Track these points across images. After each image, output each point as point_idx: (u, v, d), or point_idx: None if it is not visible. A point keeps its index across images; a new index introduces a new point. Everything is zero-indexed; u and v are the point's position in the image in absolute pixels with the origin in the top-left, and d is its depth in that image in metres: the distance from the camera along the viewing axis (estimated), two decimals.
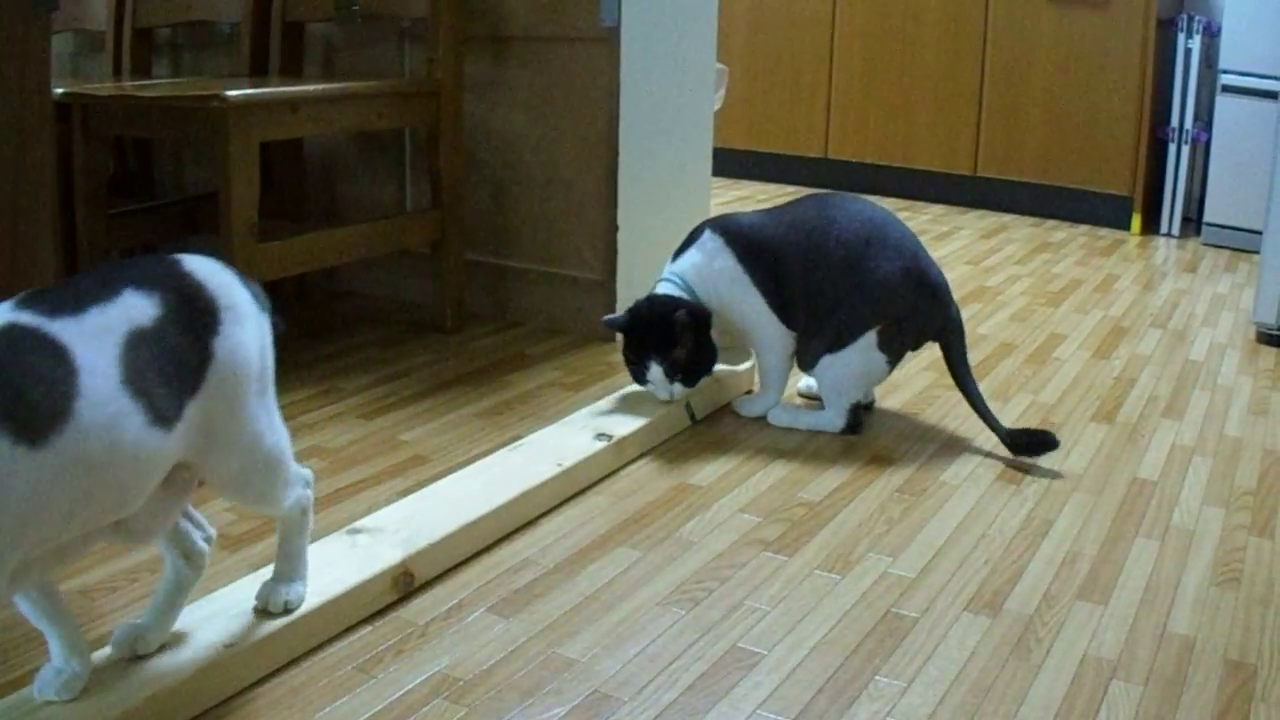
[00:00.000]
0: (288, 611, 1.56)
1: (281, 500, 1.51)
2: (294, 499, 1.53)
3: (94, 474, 1.21)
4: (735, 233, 2.30)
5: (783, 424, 2.34)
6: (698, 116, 3.06)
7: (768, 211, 2.36)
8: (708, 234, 2.32)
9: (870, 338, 2.22)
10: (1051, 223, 4.50)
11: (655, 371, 2.26)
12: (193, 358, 1.33)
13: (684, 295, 2.28)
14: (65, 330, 1.22)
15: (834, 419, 2.30)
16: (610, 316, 2.34)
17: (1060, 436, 2.23)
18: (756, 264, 2.27)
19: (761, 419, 2.38)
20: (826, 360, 2.25)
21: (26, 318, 1.22)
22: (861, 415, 2.33)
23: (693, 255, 2.32)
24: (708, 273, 2.29)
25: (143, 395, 1.26)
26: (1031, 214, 4.63)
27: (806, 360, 2.32)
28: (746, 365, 2.55)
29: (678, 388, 2.27)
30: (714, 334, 2.30)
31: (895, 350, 2.25)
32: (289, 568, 1.58)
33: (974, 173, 4.72)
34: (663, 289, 2.31)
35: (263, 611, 1.55)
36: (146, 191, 3.58)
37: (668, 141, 2.97)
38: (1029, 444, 2.20)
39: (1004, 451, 2.20)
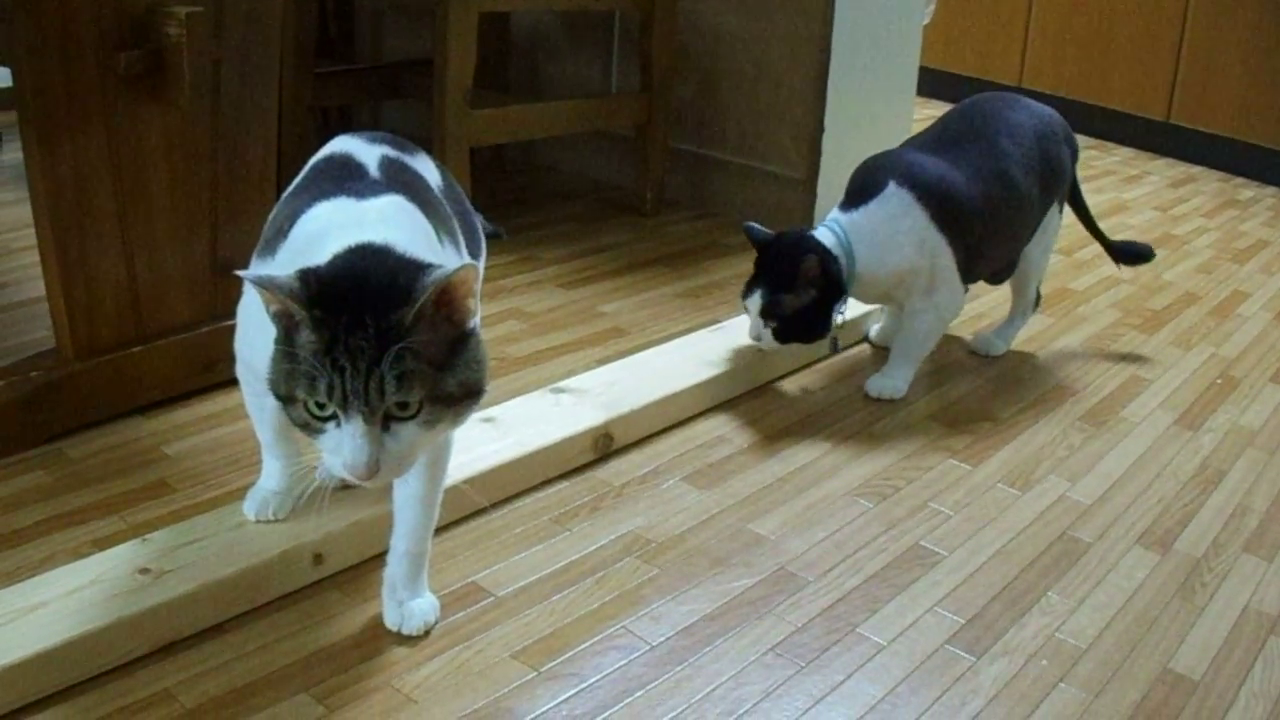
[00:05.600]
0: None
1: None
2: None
3: None
4: (927, 188, 2.03)
5: (999, 351, 2.35)
6: (907, 28, 3.05)
7: (933, 147, 2.11)
8: (892, 187, 2.02)
9: (1053, 209, 2.28)
10: (1239, 180, 4.39)
11: (754, 302, 2.01)
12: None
13: (837, 251, 2.01)
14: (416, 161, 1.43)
15: (1029, 304, 2.36)
16: (754, 226, 2.07)
17: (1240, 393, 2.25)
18: (952, 224, 2.04)
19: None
20: (1025, 254, 2.27)
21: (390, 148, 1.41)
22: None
23: (872, 211, 2.03)
24: (887, 232, 2.02)
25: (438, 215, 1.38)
26: (1220, 168, 4.53)
27: (1000, 276, 2.30)
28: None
29: (766, 335, 2.01)
30: (866, 295, 2.11)
31: (1063, 201, 2.34)
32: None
33: (1166, 118, 4.61)
34: (822, 236, 2.02)
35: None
36: (346, 55, 3.69)
37: (877, 49, 2.97)
38: (1129, 253, 2.46)
39: (1183, 396, 2.22)
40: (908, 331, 2.13)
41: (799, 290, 1.97)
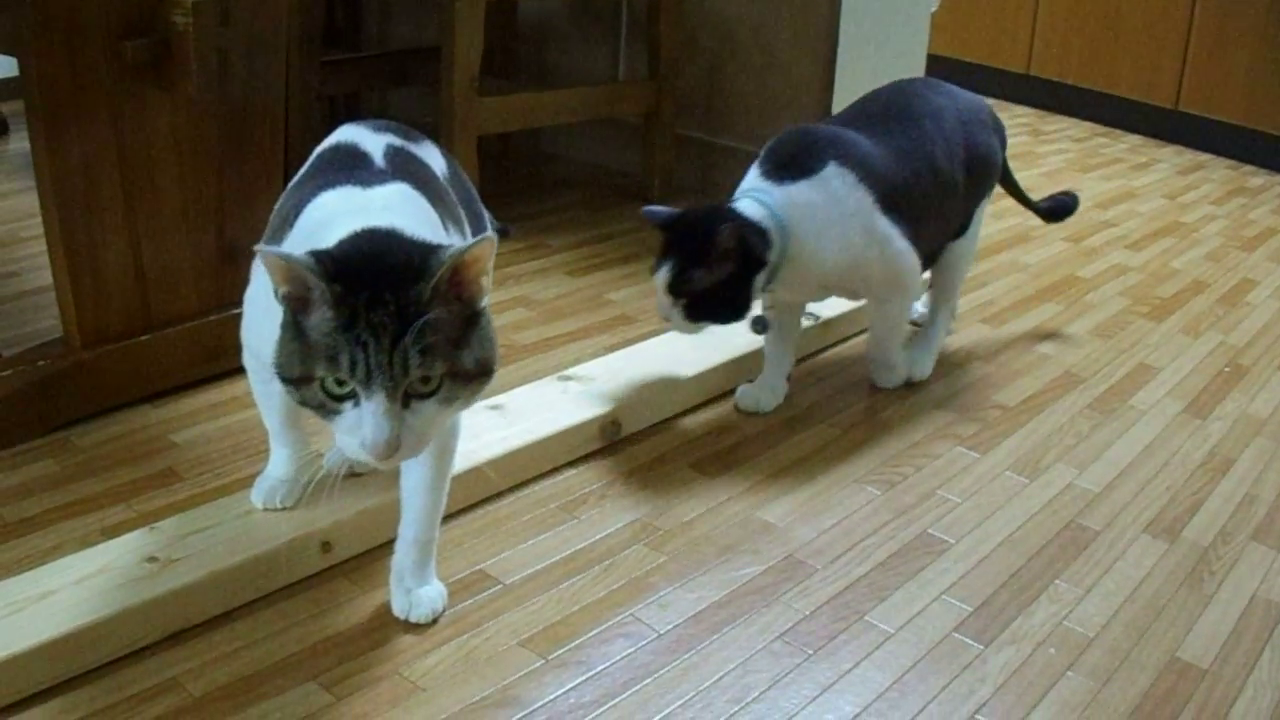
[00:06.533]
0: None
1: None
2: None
3: None
4: (869, 170, 1.84)
5: (926, 372, 2.15)
6: (915, 14, 3.05)
7: (858, 130, 1.92)
8: (833, 167, 1.82)
9: (982, 206, 2.14)
10: (1249, 168, 4.38)
11: (662, 276, 1.77)
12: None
13: (766, 224, 1.78)
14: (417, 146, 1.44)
15: (953, 309, 2.23)
16: (653, 208, 1.84)
17: (1248, 381, 2.24)
18: (897, 207, 1.86)
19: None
20: (959, 246, 2.11)
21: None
22: None
23: (806, 190, 1.81)
24: (830, 215, 1.81)
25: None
26: (1229, 156, 4.51)
27: (924, 263, 2.04)
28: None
29: (676, 314, 1.79)
30: (801, 286, 1.89)
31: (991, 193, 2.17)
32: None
33: (1175, 106, 4.60)
34: (745, 208, 1.80)
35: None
36: (353, 43, 3.68)
37: (885, 36, 2.97)
38: (1055, 211, 2.43)
39: (1191, 384, 2.21)
40: (880, 324, 2.03)
41: (713, 264, 1.74)
